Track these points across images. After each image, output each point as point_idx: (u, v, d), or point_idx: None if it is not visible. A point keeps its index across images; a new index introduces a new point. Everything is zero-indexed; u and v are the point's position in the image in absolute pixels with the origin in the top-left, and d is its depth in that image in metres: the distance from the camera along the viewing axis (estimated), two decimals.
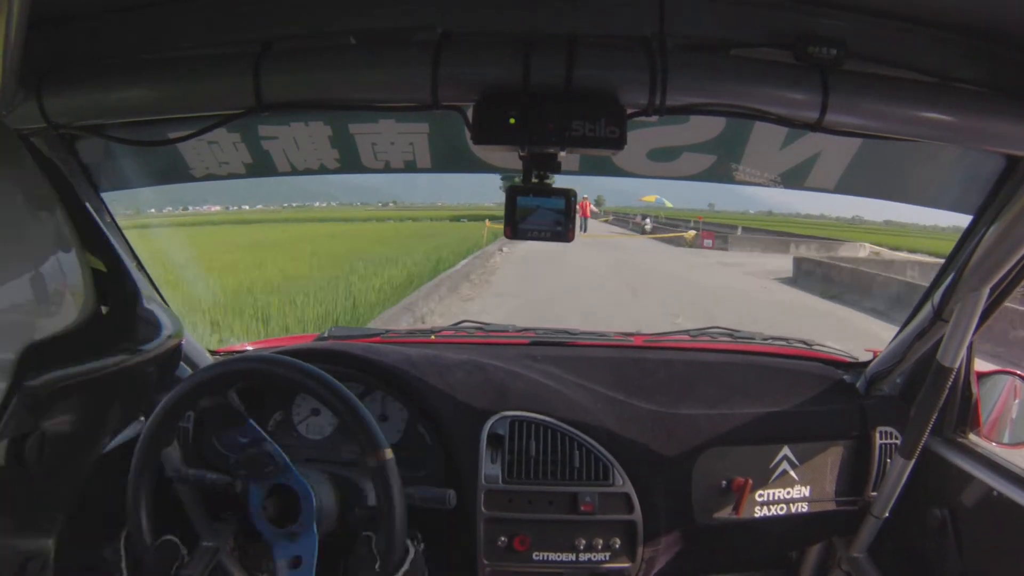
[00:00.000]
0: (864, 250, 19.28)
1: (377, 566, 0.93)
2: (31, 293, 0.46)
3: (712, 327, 1.73)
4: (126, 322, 0.57)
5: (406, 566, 0.94)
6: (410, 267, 11.49)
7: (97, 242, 0.58)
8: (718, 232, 22.27)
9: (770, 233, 26.42)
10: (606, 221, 37.25)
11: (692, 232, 21.08)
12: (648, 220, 29.62)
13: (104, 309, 0.54)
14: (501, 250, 15.50)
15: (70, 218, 0.54)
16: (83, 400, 0.50)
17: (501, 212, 0.93)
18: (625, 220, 34.64)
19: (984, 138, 0.90)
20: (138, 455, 1.08)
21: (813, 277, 11.99)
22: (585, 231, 22.67)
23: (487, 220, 20.34)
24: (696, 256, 16.80)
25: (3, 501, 0.47)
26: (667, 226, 27.59)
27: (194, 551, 1.08)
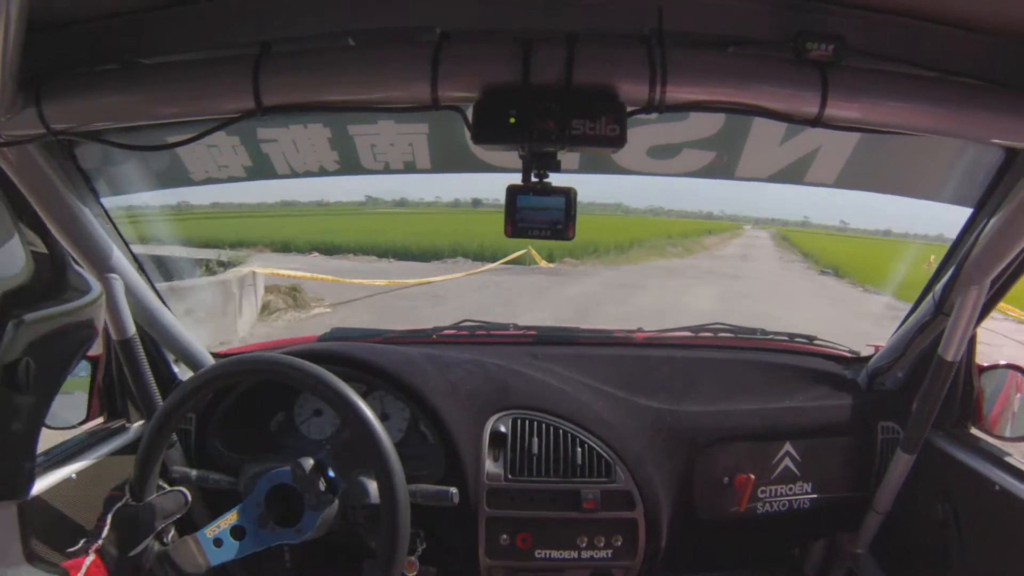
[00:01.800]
0: None
1: None
2: None
3: (714, 323, 1.73)
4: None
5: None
6: None
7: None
8: None
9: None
10: None
11: None
12: None
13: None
14: None
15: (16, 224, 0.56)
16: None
17: None
18: None
19: (983, 131, 0.90)
20: (141, 455, 1.08)
21: None
22: None
23: None
24: None
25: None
26: None
27: None
